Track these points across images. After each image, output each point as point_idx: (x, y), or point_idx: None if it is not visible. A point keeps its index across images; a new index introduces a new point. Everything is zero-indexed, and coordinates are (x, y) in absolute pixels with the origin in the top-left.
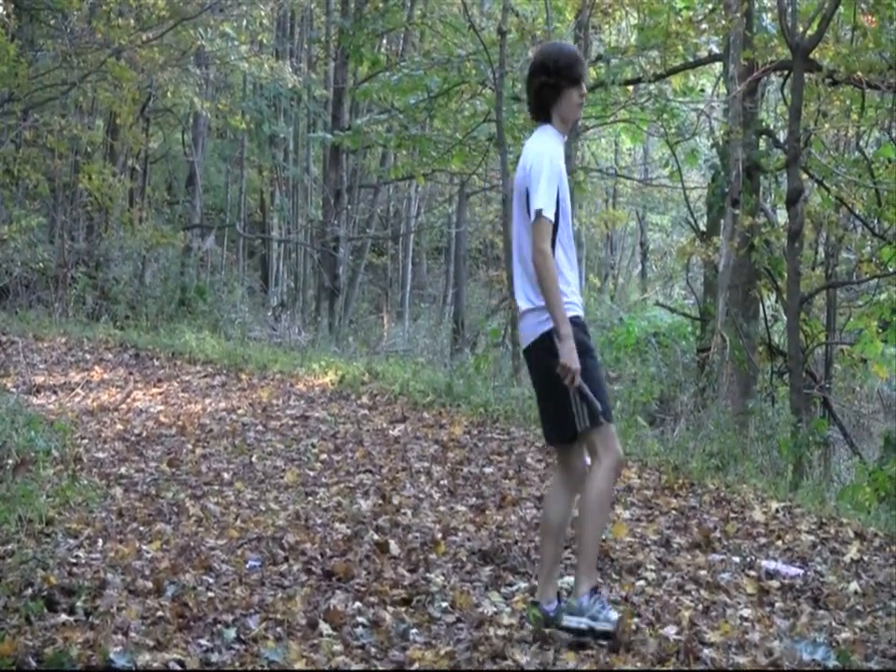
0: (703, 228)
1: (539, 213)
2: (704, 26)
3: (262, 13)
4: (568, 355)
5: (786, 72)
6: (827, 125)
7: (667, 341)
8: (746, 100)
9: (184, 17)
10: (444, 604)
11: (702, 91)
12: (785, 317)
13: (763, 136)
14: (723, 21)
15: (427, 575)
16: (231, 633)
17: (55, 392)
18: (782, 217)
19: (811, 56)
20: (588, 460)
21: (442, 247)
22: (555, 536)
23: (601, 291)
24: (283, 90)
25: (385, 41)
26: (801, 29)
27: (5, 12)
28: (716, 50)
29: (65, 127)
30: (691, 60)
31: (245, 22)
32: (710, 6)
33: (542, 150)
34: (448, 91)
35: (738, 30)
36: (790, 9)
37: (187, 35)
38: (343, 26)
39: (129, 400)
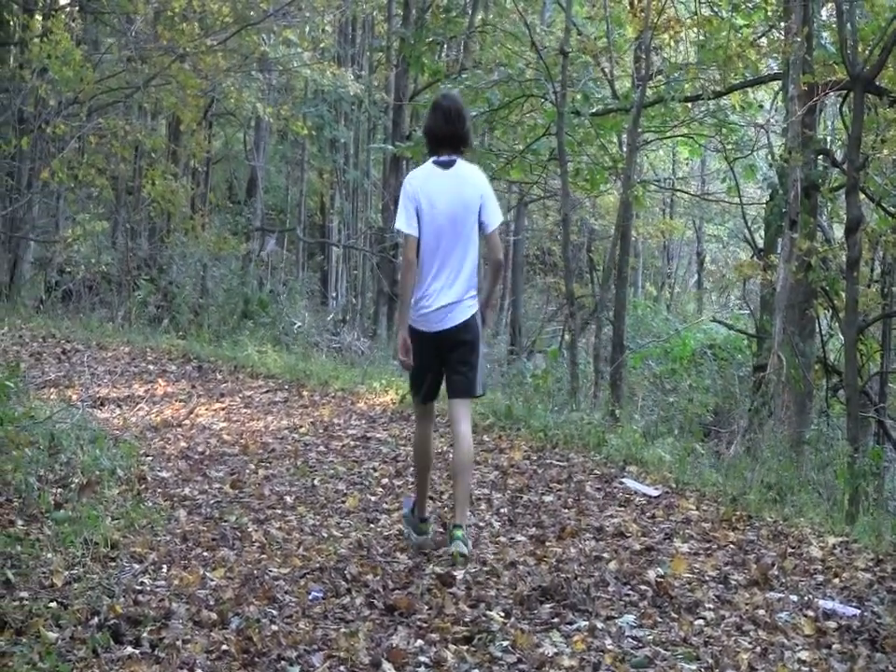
0: (760, 242)
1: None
2: (763, 44)
3: (325, 20)
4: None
5: (845, 91)
6: (886, 150)
7: (723, 353)
8: (804, 119)
9: (247, 23)
10: (505, 643)
11: (760, 106)
12: (841, 335)
13: (821, 155)
14: (783, 45)
15: (488, 612)
16: (296, 670)
17: (119, 406)
18: (839, 231)
19: None
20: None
21: None
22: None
23: (657, 301)
24: (344, 95)
25: (445, 48)
26: (862, 50)
27: (70, 15)
28: (775, 68)
29: (129, 132)
30: (750, 78)
31: (307, 29)
32: (770, 24)
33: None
34: (509, 104)
35: (798, 53)
36: (850, 37)
37: (250, 40)
38: (405, 35)
39: (192, 416)
